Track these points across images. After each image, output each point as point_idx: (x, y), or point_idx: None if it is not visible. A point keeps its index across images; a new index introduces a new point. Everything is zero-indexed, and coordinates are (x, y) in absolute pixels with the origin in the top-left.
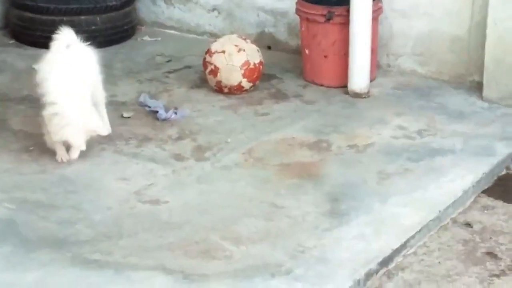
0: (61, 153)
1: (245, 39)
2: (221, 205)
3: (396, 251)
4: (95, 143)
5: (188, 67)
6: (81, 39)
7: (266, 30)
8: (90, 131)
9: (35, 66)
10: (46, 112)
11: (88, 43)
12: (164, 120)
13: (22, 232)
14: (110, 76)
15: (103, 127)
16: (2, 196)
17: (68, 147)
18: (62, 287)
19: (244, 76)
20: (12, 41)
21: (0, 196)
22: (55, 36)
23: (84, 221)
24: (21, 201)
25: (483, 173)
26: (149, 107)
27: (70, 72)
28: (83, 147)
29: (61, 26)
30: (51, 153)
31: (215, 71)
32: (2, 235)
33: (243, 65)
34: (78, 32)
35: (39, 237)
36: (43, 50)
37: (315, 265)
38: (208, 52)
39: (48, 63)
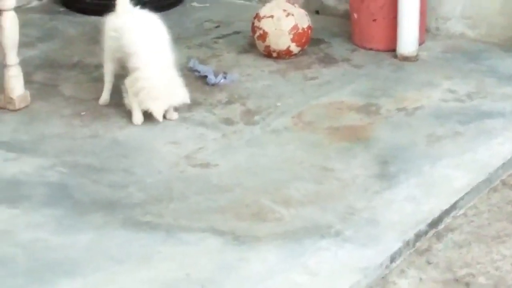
0: (138, 116)
1: (293, 4)
2: (271, 168)
3: (446, 213)
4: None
5: (237, 32)
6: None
7: None
8: (175, 103)
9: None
10: (136, 83)
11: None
12: (214, 85)
13: (74, 196)
14: None
15: (188, 97)
16: (54, 161)
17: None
18: (115, 249)
19: (292, 40)
20: (62, 9)
21: (52, 161)
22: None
23: (135, 184)
24: (73, 165)
25: None
26: (199, 72)
27: (155, 39)
28: (161, 119)
29: None
30: (103, 118)
31: (263, 36)
32: (54, 198)
33: (291, 29)
34: None
35: (91, 200)
36: (93, 17)
37: (364, 226)
38: (257, 17)
39: (127, 28)
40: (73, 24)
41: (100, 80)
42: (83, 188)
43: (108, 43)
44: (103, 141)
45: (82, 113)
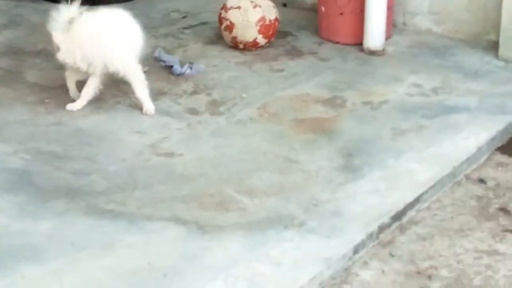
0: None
1: None
2: (236, 158)
3: (409, 206)
4: (110, 97)
5: (204, 23)
6: None
7: None
8: None
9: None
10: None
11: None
12: (179, 75)
13: (36, 182)
14: None
15: None
16: (18, 147)
17: None
18: (77, 236)
19: (259, 32)
20: None
21: (15, 147)
22: None
23: (98, 172)
24: (36, 152)
25: (497, 131)
26: (164, 62)
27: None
28: None
29: None
30: (66, 105)
31: (230, 27)
32: (17, 184)
33: (258, 21)
34: None
35: (54, 187)
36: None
37: (328, 218)
38: (224, 8)
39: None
40: (38, 11)
41: (64, 68)
42: (45, 175)
43: None
44: (67, 129)
45: (46, 100)
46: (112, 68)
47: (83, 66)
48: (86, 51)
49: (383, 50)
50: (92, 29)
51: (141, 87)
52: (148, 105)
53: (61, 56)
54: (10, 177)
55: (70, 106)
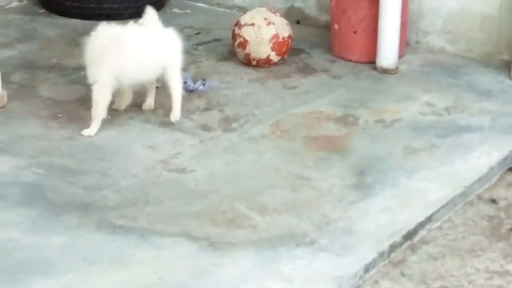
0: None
1: (274, 13)
2: (248, 175)
3: (421, 225)
4: (122, 112)
5: (217, 39)
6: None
7: (295, 4)
8: None
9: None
10: None
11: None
12: (192, 91)
13: (49, 196)
14: None
15: None
16: (30, 161)
17: None
18: (88, 251)
19: (272, 49)
20: (42, 10)
21: (28, 161)
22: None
23: (110, 187)
24: (48, 167)
25: (510, 151)
26: None
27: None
28: None
29: None
30: (80, 120)
31: (244, 44)
32: (29, 198)
33: (272, 38)
34: (107, 3)
35: (66, 201)
36: (72, 20)
37: (340, 236)
38: (237, 24)
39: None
40: (52, 26)
41: (77, 82)
42: (58, 189)
43: None
44: (80, 143)
45: (59, 115)
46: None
47: (125, 80)
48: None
49: (396, 68)
50: (149, 40)
51: (179, 93)
52: (178, 112)
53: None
54: (23, 191)
55: (86, 132)
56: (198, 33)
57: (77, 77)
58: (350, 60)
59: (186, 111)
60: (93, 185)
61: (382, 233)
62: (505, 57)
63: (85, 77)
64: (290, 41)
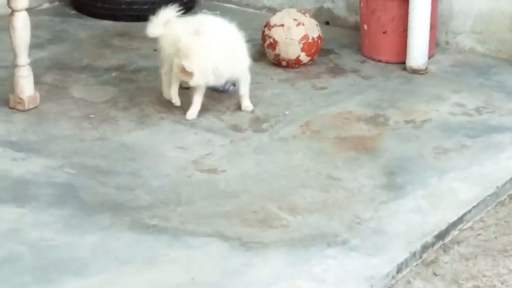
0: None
1: (304, 13)
2: (278, 175)
3: (453, 225)
4: (154, 112)
5: (247, 40)
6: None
7: (324, 5)
8: None
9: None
10: None
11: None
12: (222, 91)
13: (81, 197)
14: None
15: None
16: (63, 162)
17: None
18: (121, 250)
19: (302, 50)
20: (73, 12)
21: (60, 162)
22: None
23: (142, 188)
24: (81, 167)
25: None
26: None
27: None
28: None
29: None
30: (111, 121)
31: (273, 45)
32: (62, 198)
33: (301, 39)
34: (137, 4)
35: (98, 201)
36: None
37: (371, 236)
38: (267, 25)
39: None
40: (83, 27)
41: (109, 83)
42: (90, 190)
43: None
44: (111, 144)
45: (91, 116)
46: (236, 74)
47: (212, 80)
48: (219, 63)
49: (426, 68)
50: (222, 38)
51: (247, 85)
52: (248, 102)
53: (196, 81)
54: (55, 191)
55: (189, 115)
56: None
57: (108, 78)
58: (379, 61)
59: (217, 112)
60: (125, 185)
61: (413, 233)
62: None
63: (116, 78)
64: (319, 41)
